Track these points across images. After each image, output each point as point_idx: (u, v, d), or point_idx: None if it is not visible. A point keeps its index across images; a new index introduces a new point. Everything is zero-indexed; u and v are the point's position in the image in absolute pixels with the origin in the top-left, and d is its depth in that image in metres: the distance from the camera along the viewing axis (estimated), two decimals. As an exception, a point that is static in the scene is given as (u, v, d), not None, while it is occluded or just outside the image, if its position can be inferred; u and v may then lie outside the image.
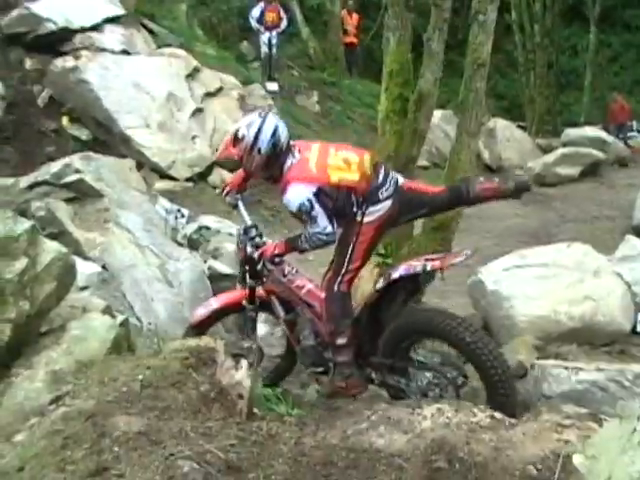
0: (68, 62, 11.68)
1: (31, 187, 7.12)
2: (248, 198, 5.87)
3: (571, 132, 17.89)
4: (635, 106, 22.58)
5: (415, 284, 5.16)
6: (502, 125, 18.07)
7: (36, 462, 3.06)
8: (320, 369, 5.44)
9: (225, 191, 5.80)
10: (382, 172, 5.09)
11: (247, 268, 5.31)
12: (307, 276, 5.67)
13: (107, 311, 4.31)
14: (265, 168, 4.99)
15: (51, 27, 12.08)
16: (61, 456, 3.06)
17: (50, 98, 11.65)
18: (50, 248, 3.96)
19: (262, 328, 6.39)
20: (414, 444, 3.44)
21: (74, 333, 3.90)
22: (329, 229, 4.82)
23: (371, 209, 4.98)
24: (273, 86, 16.03)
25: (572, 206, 13.96)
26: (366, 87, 19.67)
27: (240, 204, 5.70)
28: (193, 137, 12.24)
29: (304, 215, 4.83)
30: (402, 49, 6.52)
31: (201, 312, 5.65)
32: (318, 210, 4.78)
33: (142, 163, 11.45)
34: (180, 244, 8.01)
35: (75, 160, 7.28)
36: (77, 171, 7.14)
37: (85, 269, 5.19)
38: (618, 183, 15.54)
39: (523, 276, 6.76)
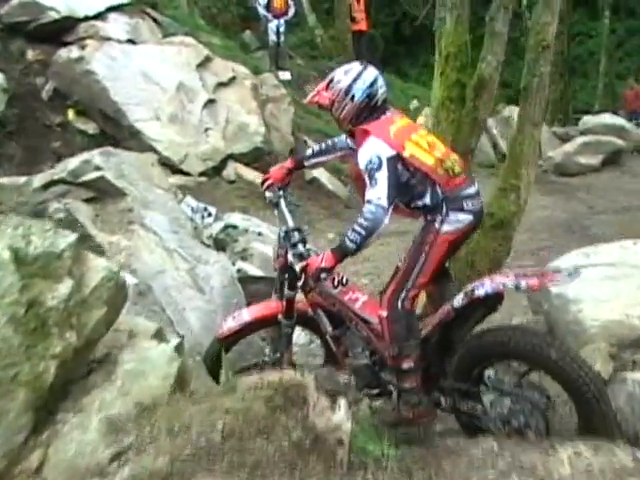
0: (73, 52, 11.02)
1: (46, 186, 6.48)
2: (291, 196, 5.24)
3: (589, 119, 17.34)
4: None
5: (496, 302, 4.59)
6: (518, 112, 17.48)
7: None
8: (375, 391, 4.87)
9: (265, 184, 5.23)
10: (474, 187, 4.56)
11: (286, 278, 4.77)
12: (359, 286, 5.10)
13: (159, 335, 3.67)
14: (354, 118, 4.49)
15: (54, 16, 11.45)
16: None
17: (55, 90, 11.00)
18: (98, 266, 3.27)
19: (301, 337, 5.84)
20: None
21: (128, 367, 3.22)
22: (384, 202, 4.19)
23: (452, 217, 4.41)
24: (286, 75, 15.43)
25: (598, 197, 13.42)
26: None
27: (282, 202, 5.10)
28: (206, 129, 11.62)
29: (367, 175, 4.28)
30: (460, 30, 5.92)
31: (230, 325, 5.08)
32: (384, 174, 4.23)
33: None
34: (206, 245, 7.42)
35: (94, 156, 6.64)
36: (97, 168, 6.51)
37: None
38: (640, 172, 15.08)
39: (589, 277, 6.16)
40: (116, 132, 11.02)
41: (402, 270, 4.51)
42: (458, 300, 4.40)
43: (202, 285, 6.41)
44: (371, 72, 4.53)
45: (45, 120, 10.72)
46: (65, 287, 3.00)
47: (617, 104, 21.60)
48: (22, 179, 6.66)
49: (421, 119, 16.69)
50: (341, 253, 4.41)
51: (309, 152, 5.26)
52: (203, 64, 12.20)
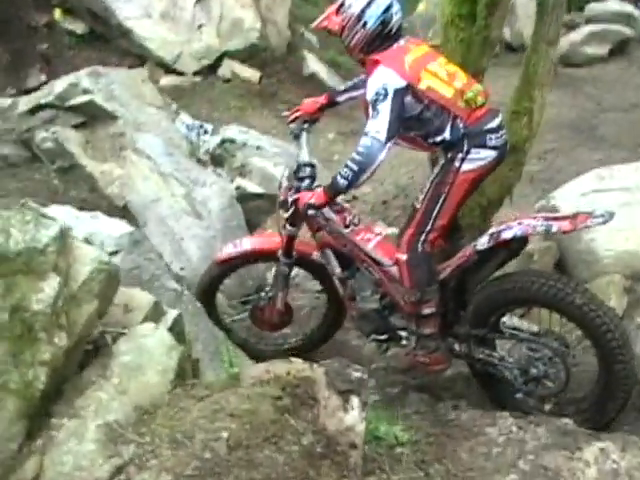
0: (58, -54, 10.39)
1: (32, 111, 6.13)
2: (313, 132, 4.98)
3: (595, 6, 16.64)
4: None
5: (521, 246, 4.35)
6: (522, 0, 16.78)
7: None
8: (384, 336, 4.71)
9: (292, 116, 4.99)
10: (498, 119, 4.25)
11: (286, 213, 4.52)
12: (371, 226, 4.87)
13: (156, 310, 3.43)
14: (366, 47, 4.24)
15: None
16: None
17: (39, -12, 10.43)
18: (87, 256, 2.97)
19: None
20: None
21: (124, 360, 2.97)
22: (382, 136, 3.96)
23: (474, 154, 4.15)
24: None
25: (605, 91, 12.95)
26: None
27: (304, 136, 4.87)
28: (199, 26, 11.06)
29: (370, 106, 4.03)
30: (472, -60, 5.47)
31: (230, 250, 5.00)
32: (388, 106, 3.97)
33: (145, 57, 10.52)
34: (202, 162, 7.13)
35: (82, 77, 6.30)
36: (85, 91, 6.17)
37: (113, 230, 4.32)
38: (649, 63, 14.55)
39: (604, 203, 5.90)
40: (105, 31, 10.58)
41: (420, 211, 4.29)
42: (482, 242, 4.20)
43: (200, 210, 6.17)
44: None
45: (30, 20, 10.19)
46: (51, 286, 2.74)
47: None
48: (7, 101, 6.31)
49: (421, 7, 16.05)
50: (333, 191, 4.21)
51: (341, 87, 5.05)
52: (195, -43, 11.55)
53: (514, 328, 4.47)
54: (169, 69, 10.56)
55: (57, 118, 6.09)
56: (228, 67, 11.00)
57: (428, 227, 4.25)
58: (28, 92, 9.17)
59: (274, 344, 5.40)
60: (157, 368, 3.03)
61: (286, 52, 11.86)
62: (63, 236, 2.94)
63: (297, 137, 4.88)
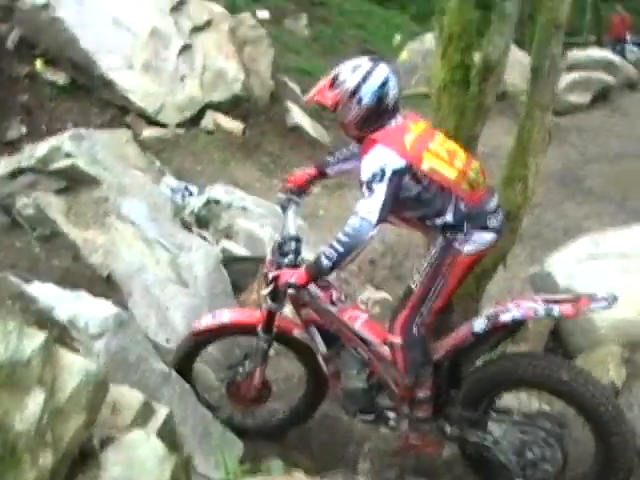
0: (37, -2, 10.24)
1: (13, 175, 5.95)
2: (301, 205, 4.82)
3: (577, 54, 16.76)
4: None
5: (518, 327, 4.22)
6: (503, 47, 16.86)
7: None
8: (370, 417, 4.54)
9: (283, 186, 4.83)
10: (495, 198, 4.13)
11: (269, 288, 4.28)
12: (358, 304, 4.73)
13: (145, 409, 3.25)
14: (361, 124, 4.04)
15: (15, -44, 10.59)
16: None
17: (20, 39, 10.24)
18: (74, 366, 2.77)
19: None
20: None
21: (114, 474, 2.80)
22: (373, 218, 3.78)
23: (475, 236, 4.00)
24: (264, 14, 14.68)
25: (589, 141, 13.03)
26: (355, 5, 18.38)
27: (292, 208, 4.70)
28: (182, 77, 10.91)
29: (365, 186, 3.84)
30: (465, 7, 5.36)
31: (207, 321, 4.76)
32: (384, 188, 3.79)
33: (127, 109, 10.30)
34: (187, 223, 6.97)
35: (64, 141, 6.11)
36: (67, 154, 5.99)
37: (98, 311, 4.14)
38: (632, 111, 14.67)
39: (600, 269, 5.82)
40: (87, 82, 10.34)
41: (417, 294, 4.11)
42: (479, 325, 4.05)
43: (185, 277, 6.00)
44: (382, 70, 4.01)
45: (12, 71, 10.00)
46: (35, 401, 2.55)
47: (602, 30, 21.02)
48: (-14, 163, 6.13)
49: (404, 55, 16.09)
50: (315, 271, 4.00)
51: (331, 159, 4.78)
52: (177, 7, 11.38)
53: (506, 411, 4.32)
54: (151, 121, 10.37)
55: (38, 183, 5.90)
56: (211, 118, 10.88)
57: (424, 310, 4.10)
58: (8, 144, 9.09)
59: (262, 419, 5.20)
60: (148, 481, 2.84)
61: (269, 103, 11.76)
62: (48, 346, 2.75)
63: (284, 209, 4.72)
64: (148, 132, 10.20)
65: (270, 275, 4.22)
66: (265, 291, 4.25)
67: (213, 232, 6.99)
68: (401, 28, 19.63)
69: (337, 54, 16.04)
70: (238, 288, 6.53)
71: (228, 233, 6.98)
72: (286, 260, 4.30)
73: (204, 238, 6.78)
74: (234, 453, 4.65)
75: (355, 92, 3.98)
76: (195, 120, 10.81)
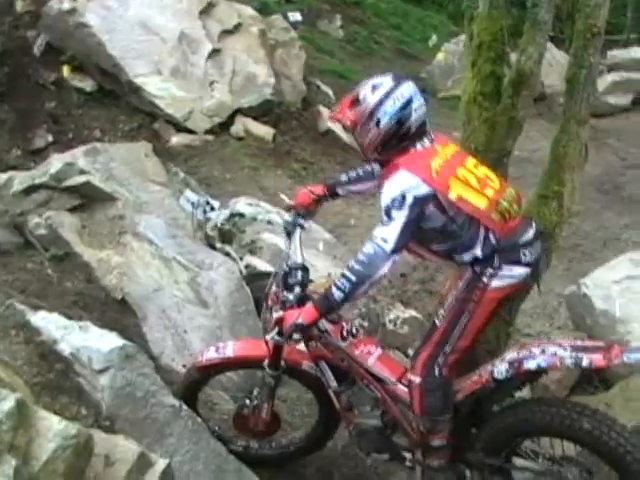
0: (64, 3, 10.07)
1: (27, 191, 5.75)
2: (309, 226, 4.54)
3: (617, 53, 16.32)
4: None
5: (541, 373, 3.94)
6: (542, 47, 16.47)
7: None
8: (385, 456, 4.26)
9: (288, 206, 4.54)
10: (532, 230, 3.83)
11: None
12: (372, 339, 4.45)
13: (143, 461, 3.02)
14: (379, 148, 3.78)
15: (42, -39, 10.44)
16: None
17: (47, 45, 10.09)
18: (51, 429, 2.55)
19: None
20: None
21: None
22: (388, 247, 3.51)
23: (505, 270, 3.71)
24: (296, 16, 14.35)
25: (630, 144, 12.60)
26: (390, 5, 18.08)
27: (297, 232, 4.38)
28: (211, 83, 10.73)
29: (384, 212, 3.57)
30: (495, 15, 5.06)
31: (211, 355, 4.49)
32: (404, 215, 3.52)
33: (155, 115, 10.17)
34: (210, 238, 6.74)
35: (78, 156, 5.90)
36: (82, 171, 5.79)
37: (103, 344, 3.94)
38: (674, 113, 14.19)
39: (639, 291, 5.52)
40: (115, 88, 10.23)
41: (440, 330, 3.82)
42: (501, 371, 3.75)
43: (205, 297, 5.76)
44: (405, 89, 3.73)
45: (38, 78, 9.81)
46: (5, 473, 2.32)
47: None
48: (4, 177, 5.93)
49: (440, 56, 15.77)
50: (325, 305, 3.70)
51: (344, 177, 4.48)
52: (206, 10, 11.19)
53: (532, 456, 4.01)
54: (180, 127, 10.21)
55: (52, 200, 5.71)
56: (241, 124, 10.67)
57: (448, 348, 3.81)
58: (34, 152, 8.94)
59: (280, 447, 4.95)
60: None
61: (301, 107, 11.54)
62: (20, 408, 2.51)
63: (289, 234, 4.38)
64: (176, 139, 10.06)
65: (274, 316, 3.92)
66: (269, 336, 3.96)
67: (237, 248, 6.75)
68: (438, 28, 19.28)
69: (372, 56, 15.82)
70: (262, 305, 6.30)
71: (252, 248, 6.73)
72: (291, 297, 3.98)
73: (227, 254, 6.53)
74: (251, 490, 4.43)
75: (373, 113, 3.70)
76: (225, 126, 10.62)
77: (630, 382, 5.14)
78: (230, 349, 4.51)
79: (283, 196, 4.76)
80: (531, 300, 6.42)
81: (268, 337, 3.98)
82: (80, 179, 5.75)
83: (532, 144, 9.85)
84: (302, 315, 3.73)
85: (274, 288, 4.19)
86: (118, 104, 10.21)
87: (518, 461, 4.00)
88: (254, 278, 6.35)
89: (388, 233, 3.54)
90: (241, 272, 6.32)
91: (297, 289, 4.00)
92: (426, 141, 3.78)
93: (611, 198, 10.26)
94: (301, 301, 3.92)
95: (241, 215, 6.98)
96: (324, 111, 11.47)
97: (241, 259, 6.60)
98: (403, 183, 3.59)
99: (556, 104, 13.32)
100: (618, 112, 14.32)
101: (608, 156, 11.98)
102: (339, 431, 4.75)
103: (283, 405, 5.19)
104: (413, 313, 6.29)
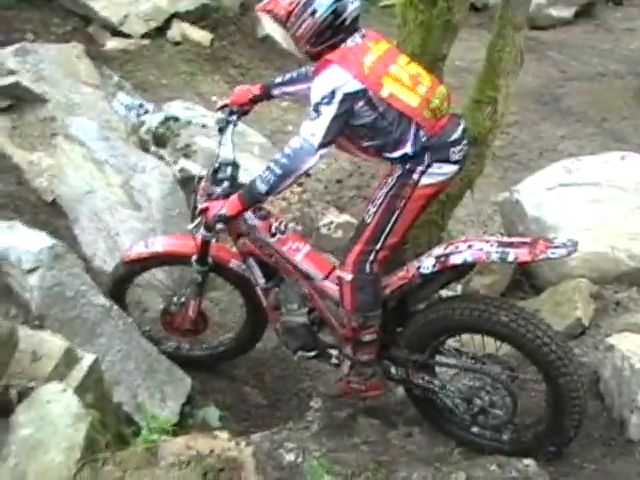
0: None
1: (-47, 94, 5.59)
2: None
3: (560, -35, 16.15)
4: None
5: (468, 269, 3.99)
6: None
7: None
8: (312, 353, 4.32)
9: (221, 104, 4.48)
10: (460, 128, 3.81)
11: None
12: (301, 235, 4.46)
13: (70, 357, 3.01)
14: (314, 39, 3.69)
15: None
16: None
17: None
18: None
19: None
20: None
21: (24, 434, 2.56)
22: (315, 141, 3.51)
23: (435, 168, 3.70)
24: None
25: (571, 57, 12.58)
26: None
27: (230, 129, 4.33)
28: (147, -15, 10.44)
29: (312, 108, 3.55)
30: None
31: (139, 249, 4.53)
32: (332, 111, 3.50)
33: (90, 18, 9.85)
34: (144, 142, 6.64)
35: (7, 57, 5.73)
36: (10, 72, 5.62)
37: (32, 245, 3.89)
38: (616, 26, 14.12)
39: (571, 199, 5.59)
40: (48, -10, 9.90)
41: (370, 227, 3.82)
42: (427, 265, 3.79)
43: (138, 199, 5.72)
44: None
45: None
46: None
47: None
48: None
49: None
50: (249, 197, 3.71)
51: (279, 79, 4.42)
52: None
53: (456, 355, 4.09)
54: (115, 31, 9.94)
55: (-20, 101, 5.55)
56: (178, 29, 10.42)
57: (378, 245, 3.81)
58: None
59: (210, 347, 4.99)
60: (61, 445, 2.62)
61: (239, 12, 11.28)
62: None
63: (222, 130, 4.34)
64: (111, 43, 9.79)
65: (198, 206, 3.92)
66: (191, 226, 3.97)
67: (171, 151, 6.68)
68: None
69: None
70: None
71: (187, 152, 6.66)
72: (219, 189, 4.00)
73: (162, 158, 6.46)
74: (181, 389, 4.47)
75: (309, 2, 3.63)
76: (161, 31, 10.34)
77: (559, 287, 5.23)
78: (159, 244, 4.54)
79: (218, 100, 4.66)
80: (465, 207, 6.51)
81: (190, 226, 3.97)
82: (9, 79, 5.60)
83: (473, 54, 9.79)
84: (226, 206, 3.74)
85: (203, 183, 4.17)
86: (51, 6, 9.88)
87: (441, 358, 4.08)
88: (189, 180, 6.31)
89: (315, 128, 3.52)
90: (175, 175, 6.28)
91: (225, 184, 4.02)
92: (357, 37, 3.72)
93: (549, 109, 10.31)
94: (228, 196, 3.90)
95: (176, 119, 6.88)
96: (263, 17, 11.25)
97: (175, 163, 6.54)
98: (334, 79, 3.55)
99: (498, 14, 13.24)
100: (560, 24, 14.20)
101: (548, 68, 11.96)
102: (269, 334, 4.79)
103: (215, 309, 5.21)
104: (347, 218, 6.32)
